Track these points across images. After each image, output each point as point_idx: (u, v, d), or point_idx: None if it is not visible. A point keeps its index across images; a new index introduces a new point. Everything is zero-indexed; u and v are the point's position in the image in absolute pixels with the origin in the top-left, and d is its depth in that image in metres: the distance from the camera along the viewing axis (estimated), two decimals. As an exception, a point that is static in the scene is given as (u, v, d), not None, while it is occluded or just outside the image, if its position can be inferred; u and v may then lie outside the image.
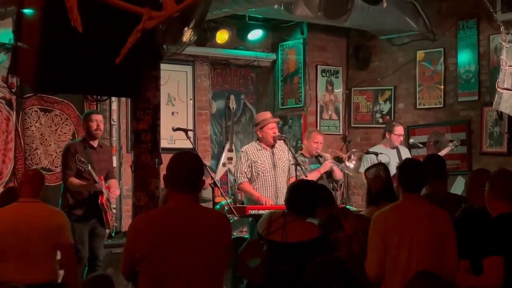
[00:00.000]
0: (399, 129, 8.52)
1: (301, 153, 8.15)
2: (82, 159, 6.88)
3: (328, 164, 7.98)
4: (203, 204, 7.20)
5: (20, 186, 5.39)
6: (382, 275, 4.31)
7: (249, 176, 7.41)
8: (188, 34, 5.13)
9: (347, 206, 7.59)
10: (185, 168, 3.68)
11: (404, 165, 4.71)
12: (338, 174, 8.06)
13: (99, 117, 7.23)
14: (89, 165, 6.87)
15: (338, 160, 8.45)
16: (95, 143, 7.16)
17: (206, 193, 8.08)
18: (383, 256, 4.29)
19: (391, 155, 8.24)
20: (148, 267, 3.56)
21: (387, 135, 8.62)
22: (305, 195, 4.84)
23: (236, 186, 7.82)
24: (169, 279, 3.56)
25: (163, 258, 3.55)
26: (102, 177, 7.08)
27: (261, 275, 4.66)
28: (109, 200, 7.11)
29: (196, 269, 3.58)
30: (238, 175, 7.46)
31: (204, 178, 3.78)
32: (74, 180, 6.93)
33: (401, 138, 8.52)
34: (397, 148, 8.51)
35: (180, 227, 3.60)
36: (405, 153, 8.43)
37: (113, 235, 8.17)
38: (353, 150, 8.56)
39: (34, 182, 5.30)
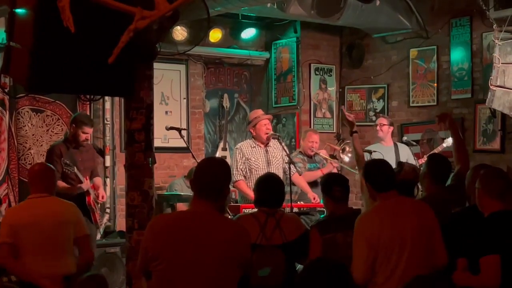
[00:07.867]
0: (380, 120, 8.48)
1: (300, 151, 8.15)
2: (67, 161, 6.92)
3: (331, 166, 8.00)
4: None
5: (29, 184, 5.29)
6: (368, 279, 4.26)
7: (244, 173, 7.44)
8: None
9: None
10: (209, 175, 3.66)
11: (370, 166, 4.58)
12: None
13: (90, 131, 7.35)
14: (75, 167, 6.94)
15: (332, 157, 8.46)
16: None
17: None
18: (370, 259, 4.23)
19: (386, 152, 8.12)
20: (157, 268, 3.58)
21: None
22: (276, 187, 4.88)
23: (232, 184, 7.83)
24: (174, 283, 3.57)
25: (171, 262, 3.56)
26: (87, 177, 7.15)
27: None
28: (96, 200, 7.14)
29: (202, 279, 3.55)
30: (234, 172, 7.47)
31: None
32: (60, 184, 6.80)
33: (384, 129, 8.38)
34: (395, 144, 8.44)
35: (192, 234, 3.59)
36: (404, 151, 8.34)
37: (101, 233, 8.13)
38: (347, 141, 8.51)
39: (41, 176, 5.21)
